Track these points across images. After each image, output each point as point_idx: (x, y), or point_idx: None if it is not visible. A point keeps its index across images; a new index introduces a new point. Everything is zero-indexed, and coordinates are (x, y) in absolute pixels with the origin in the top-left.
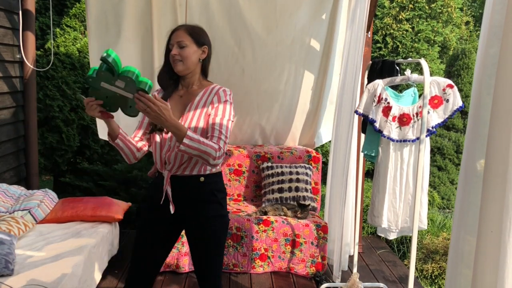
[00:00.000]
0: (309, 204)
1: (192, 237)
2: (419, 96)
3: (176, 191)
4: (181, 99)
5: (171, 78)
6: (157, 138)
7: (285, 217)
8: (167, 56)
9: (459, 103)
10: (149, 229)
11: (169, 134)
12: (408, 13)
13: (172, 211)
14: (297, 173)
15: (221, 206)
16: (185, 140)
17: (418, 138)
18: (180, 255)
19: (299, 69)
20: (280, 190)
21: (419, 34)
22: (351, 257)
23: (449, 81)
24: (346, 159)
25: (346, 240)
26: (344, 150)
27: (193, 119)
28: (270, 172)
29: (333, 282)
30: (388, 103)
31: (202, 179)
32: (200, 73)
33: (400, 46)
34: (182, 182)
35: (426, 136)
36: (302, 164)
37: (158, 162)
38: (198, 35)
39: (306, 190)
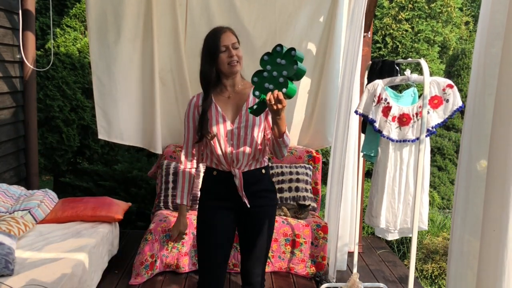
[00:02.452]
0: (309, 204)
1: (251, 224)
2: (419, 96)
3: (243, 185)
4: (230, 99)
5: (216, 79)
6: (216, 143)
7: (285, 217)
8: (214, 57)
9: (459, 103)
10: (220, 225)
11: (224, 137)
12: (407, 13)
13: (248, 205)
14: (297, 173)
15: (276, 195)
16: (286, 131)
17: (418, 138)
18: (180, 255)
19: None
20: (280, 190)
21: (418, 34)
22: (351, 257)
23: (449, 81)
24: (342, 159)
25: (344, 240)
26: (341, 150)
27: (255, 116)
28: (270, 172)
29: (329, 282)
30: (388, 103)
31: (263, 171)
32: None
33: (400, 46)
34: (249, 176)
35: (426, 136)
36: (302, 164)
37: (224, 163)
38: (238, 37)
39: (306, 190)
